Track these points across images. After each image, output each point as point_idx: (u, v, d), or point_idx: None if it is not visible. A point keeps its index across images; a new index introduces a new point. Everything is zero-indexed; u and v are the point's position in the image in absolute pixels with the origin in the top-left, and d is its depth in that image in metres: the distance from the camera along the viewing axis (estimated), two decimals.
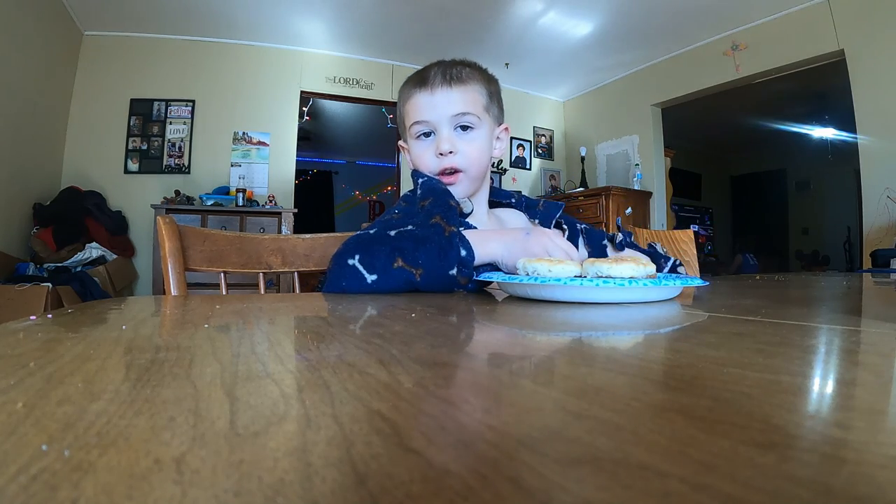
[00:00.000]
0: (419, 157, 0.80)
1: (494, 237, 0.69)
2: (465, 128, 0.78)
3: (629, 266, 0.48)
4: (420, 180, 0.78)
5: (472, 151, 0.78)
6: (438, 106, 0.77)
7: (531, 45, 4.15)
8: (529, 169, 5.22)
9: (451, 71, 0.78)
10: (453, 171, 0.77)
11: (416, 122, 0.78)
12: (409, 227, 0.68)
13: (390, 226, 0.69)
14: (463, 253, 0.65)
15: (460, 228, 0.70)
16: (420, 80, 0.79)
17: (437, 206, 0.72)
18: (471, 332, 0.34)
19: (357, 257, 0.63)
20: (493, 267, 0.68)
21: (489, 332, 0.34)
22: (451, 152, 0.76)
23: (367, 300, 0.53)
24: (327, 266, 0.67)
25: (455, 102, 0.77)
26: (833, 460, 0.11)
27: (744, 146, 7.15)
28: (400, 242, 0.64)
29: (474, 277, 0.63)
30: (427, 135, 0.79)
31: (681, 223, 6.36)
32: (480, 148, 0.79)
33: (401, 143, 0.87)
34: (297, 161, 4.29)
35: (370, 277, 0.62)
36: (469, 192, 0.80)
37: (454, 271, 0.64)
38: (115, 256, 3.34)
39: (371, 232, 0.68)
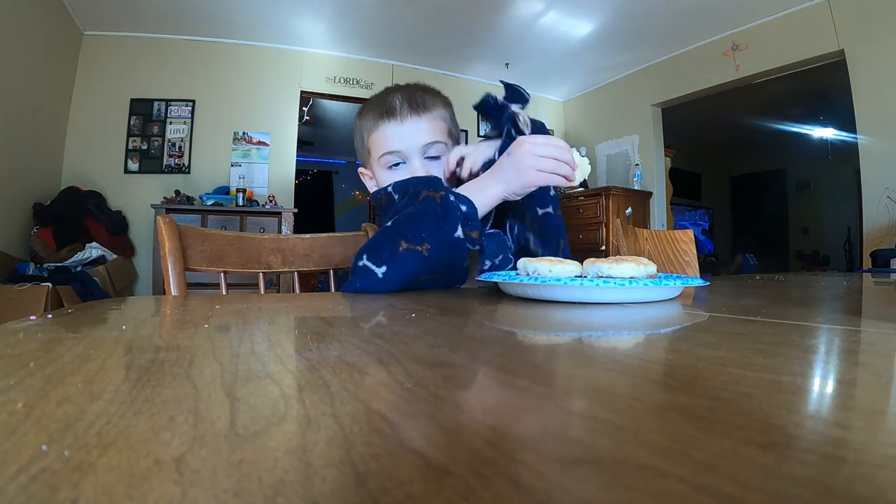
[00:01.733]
0: (390, 182, 0.77)
1: (486, 180, 0.68)
2: (433, 157, 0.79)
3: (629, 266, 0.48)
4: (388, 188, 0.74)
5: (442, 179, 0.78)
6: (408, 136, 0.77)
7: (531, 45, 4.15)
8: None
9: (416, 98, 0.78)
10: None
11: (388, 153, 0.78)
12: (405, 211, 0.68)
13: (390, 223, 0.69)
14: (463, 208, 0.65)
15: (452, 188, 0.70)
16: (385, 109, 0.77)
17: (419, 184, 0.70)
18: (471, 331, 0.34)
19: (365, 256, 0.63)
20: (492, 267, 0.69)
21: (489, 332, 0.34)
22: None
23: (367, 300, 0.53)
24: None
25: (424, 132, 0.77)
26: (833, 460, 0.11)
27: (744, 146, 7.15)
28: (398, 227, 0.64)
29: (480, 277, 0.63)
30: (397, 164, 0.79)
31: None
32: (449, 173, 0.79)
33: (362, 170, 0.87)
34: (297, 161, 4.29)
35: (380, 271, 0.61)
36: None
37: (459, 232, 0.63)
38: (115, 256, 3.34)
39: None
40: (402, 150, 0.77)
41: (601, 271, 0.49)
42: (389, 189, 0.73)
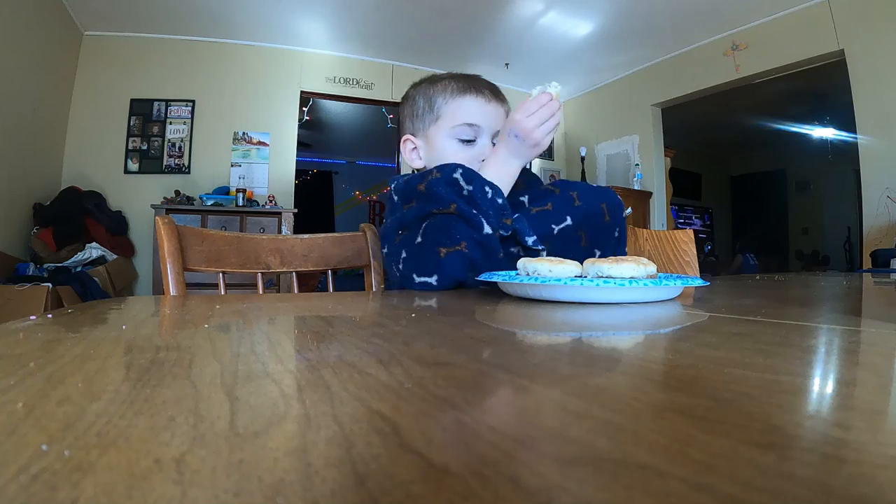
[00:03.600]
0: (457, 156, 0.78)
1: (506, 160, 0.73)
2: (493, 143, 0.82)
3: (629, 266, 0.48)
4: (431, 178, 0.73)
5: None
6: (489, 116, 0.80)
7: (531, 45, 4.15)
8: (529, 168, 5.21)
9: (496, 89, 0.83)
10: None
11: (467, 124, 0.79)
12: (429, 223, 0.70)
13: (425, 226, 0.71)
14: (499, 201, 0.69)
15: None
16: (470, 85, 0.80)
17: (450, 183, 0.71)
18: (471, 331, 0.34)
19: (415, 275, 0.68)
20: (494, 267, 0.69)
21: (489, 332, 0.34)
22: None
23: (366, 300, 0.53)
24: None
25: (500, 118, 0.81)
26: (833, 460, 0.11)
27: (744, 146, 7.15)
28: (429, 239, 0.68)
29: (480, 277, 0.63)
30: (470, 141, 0.79)
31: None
32: None
33: (410, 138, 0.84)
34: (297, 161, 4.29)
35: (433, 279, 0.66)
36: None
37: (487, 229, 0.67)
38: (115, 256, 3.34)
39: (417, 241, 0.70)
40: (481, 125, 0.79)
41: (601, 271, 0.49)
42: (428, 184, 0.72)
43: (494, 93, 0.82)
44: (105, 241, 3.34)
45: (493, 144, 0.81)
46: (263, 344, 0.27)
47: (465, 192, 0.69)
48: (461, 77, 0.82)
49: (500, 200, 0.69)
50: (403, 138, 0.86)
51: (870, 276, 1.15)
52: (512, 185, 0.74)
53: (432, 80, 0.84)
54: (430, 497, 0.09)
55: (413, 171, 0.85)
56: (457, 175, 0.71)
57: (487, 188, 0.70)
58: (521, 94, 5.04)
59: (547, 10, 3.61)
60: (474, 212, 0.68)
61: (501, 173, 0.73)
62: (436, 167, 0.75)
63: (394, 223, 0.75)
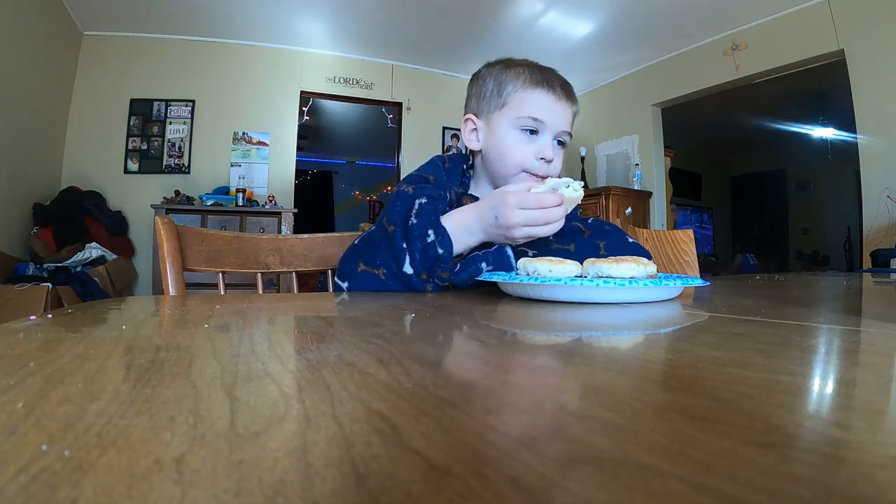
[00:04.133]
0: (516, 147, 0.76)
1: (472, 225, 0.67)
2: (561, 143, 0.79)
3: (629, 266, 0.48)
4: (405, 190, 0.73)
5: (559, 166, 0.78)
6: (557, 114, 0.76)
7: (531, 45, 4.14)
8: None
9: (571, 88, 0.80)
10: (543, 177, 0.76)
11: (533, 118, 0.76)
12: (366, 233, 0.71)
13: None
14: (440, 251, 0.65)
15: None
16: (543, 79, 0.77)
17: (424, 209, 0.69)
18: (471, 332, 0.34)
19: (337, 273, 0.71)
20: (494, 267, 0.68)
21: (489, 332, 0.34)
22: (551, 161, 0.77)
23: (367, 300, 0.53)
24: (329, 268, 0.68)
25: (567, 119, 0.78)
26: (833, 460, 0.11)
27: (744, 146, 7.15)
28: (357, 249, 0.70)
29: (480, 277, 0.62)
30: (533, 132, 0.77)
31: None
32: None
33: (471, 117, 0.81)
34: (297, 161, 4.29)
35: (344, 285, 0.69)
36: None
37: (407, 268, 0.65)
38: (114, 256, 3.34)
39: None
40: (545, 121, 0.76)
41: (601, 271, 0.49)
42: (414, 201, 0.70)
43: (567, 91, 0.78)
44: (105, 241, 3.33)
45: (557, 143, 0.78)
46: (263, 344, 0.27)
47: (409, 222, 0.67)
48: (537, 68, 0.79)
49: (440, 250, 0.64)
50: (465, 117, 0.82)
51: (870, 276, 1.15)
52: (465, 250, 0.68)
53: (507, 65, 0.80)
54: (430, 497, 0.09)
55: (458, 151, 0.82)
56: (416, 202, 0.69)
57: (432, 232, 0.65)
58: None
59: (547, 10, 3.61)
60: (403, 245, 0.65)
61: (461, 235, 0.66)
62: (415, 186, 0.73)
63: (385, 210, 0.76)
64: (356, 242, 0.71)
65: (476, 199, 0.79)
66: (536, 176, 0.76)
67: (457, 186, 0.82)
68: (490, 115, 0.79)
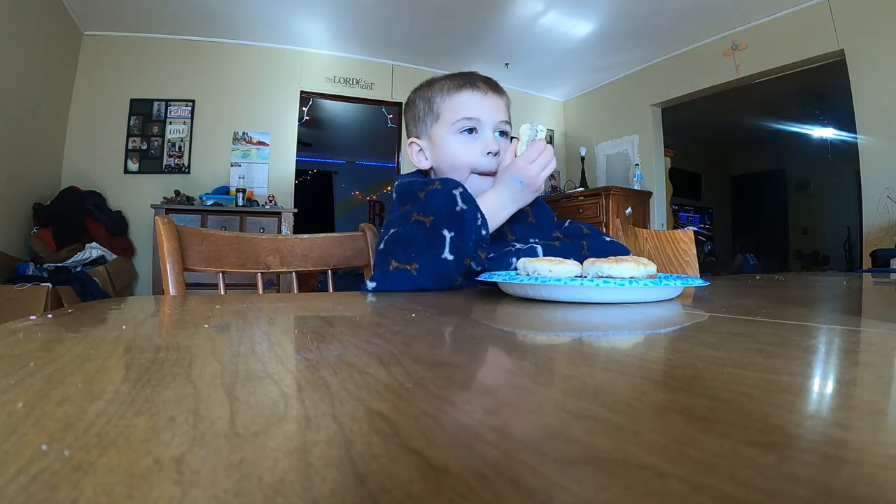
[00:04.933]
0: (461, 150, 0.80)
1: (504, 200, 0.75)
2: (503, 133, 0.84)
3: (629, 266, 0.48)
4: (432, 188, 0.75)
5: (510, 157, 0.81)
6: (488, 108, 0.81)
7: (531, 45, 4.15)
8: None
9: (495, 82, 0.85)
10: (493, 173, 0.81)
11: (466, 118, 0.80)
12: (395, 231, 0.72)
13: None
14: (483, 232, 0.70)
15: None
16: (467, 82, 0.82)
17: (447, 193, 0.73)
18: (471, 332, 0.34)
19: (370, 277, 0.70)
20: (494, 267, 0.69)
21: (489, 332, 0.34)
22: (497, 153, 0.81)
23: (367, 300, 0.53)
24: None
25: (500, 110, 0.83)
26: (833, 460, 0.11)
27: (744, 146, 7.15)
28: (389, 246, 0.69)
29: (480, 277, 0.63)
30: (471, 131, 0.81)
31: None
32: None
33: (415, 140, 0.86)
34: (296, 161, 4.29)
35: (370, 285, 0.68)
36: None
37: (447, 254, 0.67)
38: (114, 256, 3.34)
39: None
40: (480, 118, 0.81)
41: (601, 271, 0.49)
42: (432, 189, 0.75)
43: (491, 86, 0.83)
44: (105, 241, 3.33)
45: (500, 135, 0.82)
46: (263, 344, 0.27)
47: (457, 209, 0.70)
48: (457, 75, 0.84)
49: (484, 232, 0.70)
50: (409, 142, 0.87)
51: (870, 276, 1.15)
52: (498, 226, 0.76)
53: (430, 83, 0.86)
54: (430, 497, 0.09)
55: (418, 172, 0.87)
56: (456, 192, 0.72)
57: (479, 215, 0.70)
58: (521, 94, 5.08)
59: (547, 10, 3.61)
60: (444, 232, 0.68)
61: (496, 214, 0.74)
62: (439, 179, 0.76)
63: (387, 223, 0.77)
64: (381, 247, 0.71)
65: None
66: (485, 174, 0.81)
67: None
68: (429, 131, 0.84)
